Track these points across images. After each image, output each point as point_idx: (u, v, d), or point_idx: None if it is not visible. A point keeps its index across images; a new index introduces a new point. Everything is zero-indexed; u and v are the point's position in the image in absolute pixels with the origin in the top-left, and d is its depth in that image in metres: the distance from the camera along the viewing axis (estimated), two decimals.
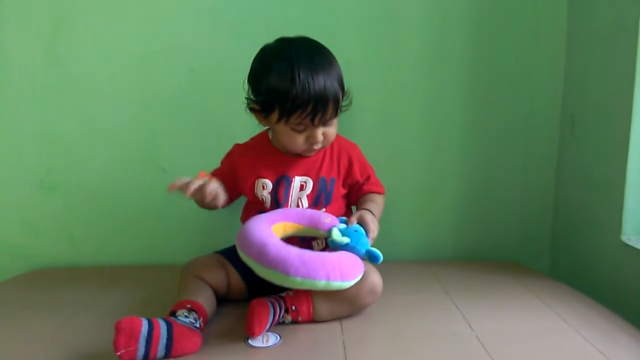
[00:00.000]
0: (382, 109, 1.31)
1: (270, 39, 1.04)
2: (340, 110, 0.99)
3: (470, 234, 1.36)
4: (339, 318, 0.94)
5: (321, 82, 0.92)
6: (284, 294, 0.93)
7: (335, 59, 0.99)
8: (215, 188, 0.91)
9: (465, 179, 1.33)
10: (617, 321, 0.93)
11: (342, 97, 0.99)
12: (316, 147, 0.99)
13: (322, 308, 0.92)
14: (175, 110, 1.29)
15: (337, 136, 1.06)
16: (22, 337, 0.89)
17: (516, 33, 1.29)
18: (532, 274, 1.21)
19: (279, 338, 0.86)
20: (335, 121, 0.99)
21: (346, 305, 0.93)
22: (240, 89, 1.02)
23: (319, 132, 0.97)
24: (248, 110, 1.02)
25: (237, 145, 1.11)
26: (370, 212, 1.00)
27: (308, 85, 0.91)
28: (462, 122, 1.31)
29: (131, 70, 1.27)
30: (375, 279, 0.94)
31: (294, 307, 0.91)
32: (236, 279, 1.01)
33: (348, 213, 1.10)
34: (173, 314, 0.86)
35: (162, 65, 1.27)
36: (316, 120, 0.94)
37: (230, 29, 1.26)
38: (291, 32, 1.05)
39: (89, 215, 1.32)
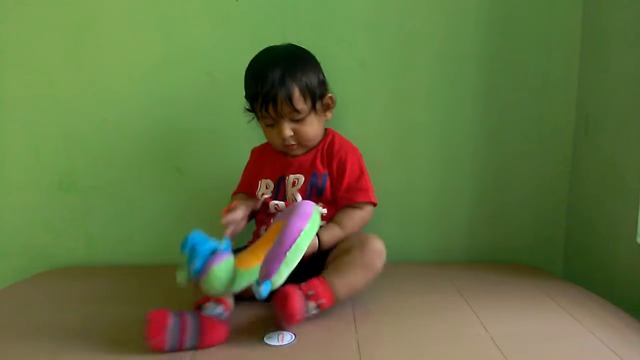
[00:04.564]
0: (394, 110, 1.31)
1: (285, 42, 1.07)
2: (314, 108, 1.05)
3: (483, 235, 1.35)
4: (357, 293, 0.96)
5: (272, 76, 1.00)
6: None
7: (309, 63, 1.06)
8: (229, 220, 0.99)
9: (478, 179, 1.33)
10: (633, 323, 0.92)
11: (309, 96, 1.03)
12: (286, 142, 1.05)
13: (338, 283, 0.93)
14: (193, 113, 1.31)
15: (339, 137, 1.11)
16: (41, 334, 0.91)
17: (530, 33, 1.28)
18: (546, 275, 1.21)
19: (294, 337, 0.86)
20: (310, 119, 1.05)
21: (359, 272, 0.94)
22: None
23: (284, 126, 1.03)
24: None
25: (253, 150, 1.19)
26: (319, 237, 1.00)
27: (260, 78, 1.01)
28: (475, 122, 1.31)
29: (149, 74, 1.30)
30: (377, 242, 0.97)
31: (311, 292, 0.90)
32: None
33: None
34: (199, 307, 0.88)
35: (180, 70, 1.29)
36: (270, 110, 1.01)
37: (247, 34, 1.27)
38: (306, 36, 1.07)
39: (107, 215, 1.34)
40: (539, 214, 1.35)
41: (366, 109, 1.28)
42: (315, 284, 0.92)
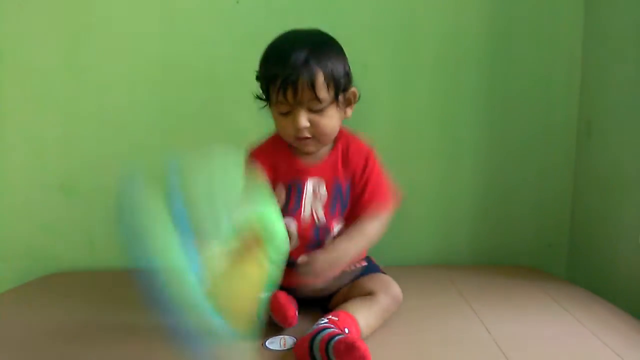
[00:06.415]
0: (399, 113, 1.31)
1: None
2: (336, 99, 0.94)
3: (487, 239, 1.35)
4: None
5: (295, 57, 0.89)
6: (325, 321, 0.84)
7: (336, 50, 0.96)
8: None
9: (483, 183, 1.33)
10: (636, 325, 0.92)
11: (333, 85, 0.93)
12: (300, 134, 0.93)
13: (364, 325, 0.88)
14: (194, 117, 1.30)
15: (355, 138, 1.03)
16: (43, 338, 0.91)
17: (532, 36, 1.28)
18: (549, 278, 1.21)
19: (296, 341, 0.86)
20: (329, 112, 0.94)
21: (380, 318, 0.91)
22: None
23: (300, 114, 0.91)
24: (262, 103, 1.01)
25: (253, 154, 1.03)
26: (335, 247, 0.92)
27: (281, 59, 0.91)
28: (477, 125, 1.31)
29: (150, 77, 1.29)
30: (398, 289, 0.95)
31: (347, 330, 0.83)
32: None
33: None
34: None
35: (181, 73, 1.29)
36: (288, 96, 0.90)
37: (248, 37, 1.26)
38: None
39: (108, 218, 1.33)
40: (542, 216, 1.34)
41: (368, 111, 1.27)
42: (350, 324, 0.85)
